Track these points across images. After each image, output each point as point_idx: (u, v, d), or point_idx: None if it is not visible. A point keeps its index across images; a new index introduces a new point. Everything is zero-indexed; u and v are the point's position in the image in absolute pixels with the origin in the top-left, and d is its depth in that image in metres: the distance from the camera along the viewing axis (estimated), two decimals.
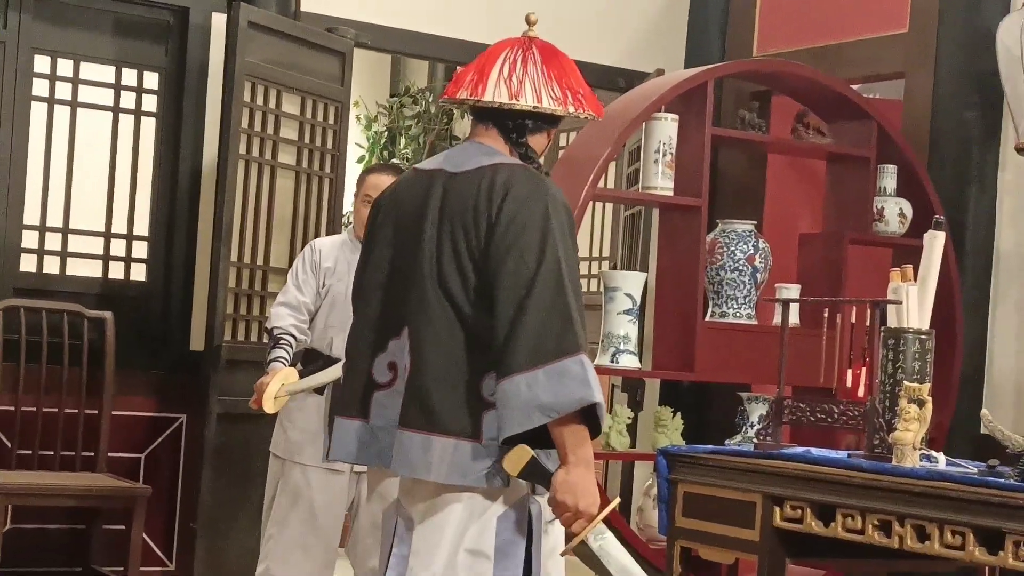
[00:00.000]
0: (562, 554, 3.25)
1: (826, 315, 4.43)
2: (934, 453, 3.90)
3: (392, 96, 9.35)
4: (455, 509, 3.07)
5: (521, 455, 3.01)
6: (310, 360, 4.83)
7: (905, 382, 3.93)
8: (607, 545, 3.13)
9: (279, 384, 4.57)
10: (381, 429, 3.12)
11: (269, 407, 4.55)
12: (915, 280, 4.13)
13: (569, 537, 3.16)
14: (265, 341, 5.03)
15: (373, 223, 3.27)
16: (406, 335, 3.10)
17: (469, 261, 3.05)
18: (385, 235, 3.21)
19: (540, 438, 2.99)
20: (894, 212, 5.80)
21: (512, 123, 3.19)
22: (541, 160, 3.26)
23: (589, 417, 2.99)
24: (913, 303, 4.09)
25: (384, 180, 4.77)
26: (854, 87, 6.09)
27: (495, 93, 3.13)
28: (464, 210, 3.07)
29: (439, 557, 3.06)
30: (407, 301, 3.11)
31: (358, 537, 4.79)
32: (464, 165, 3.14)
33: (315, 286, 4.86)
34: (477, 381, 3.04)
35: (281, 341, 4.78)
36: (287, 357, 4.75)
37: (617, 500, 3.30)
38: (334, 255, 4.88)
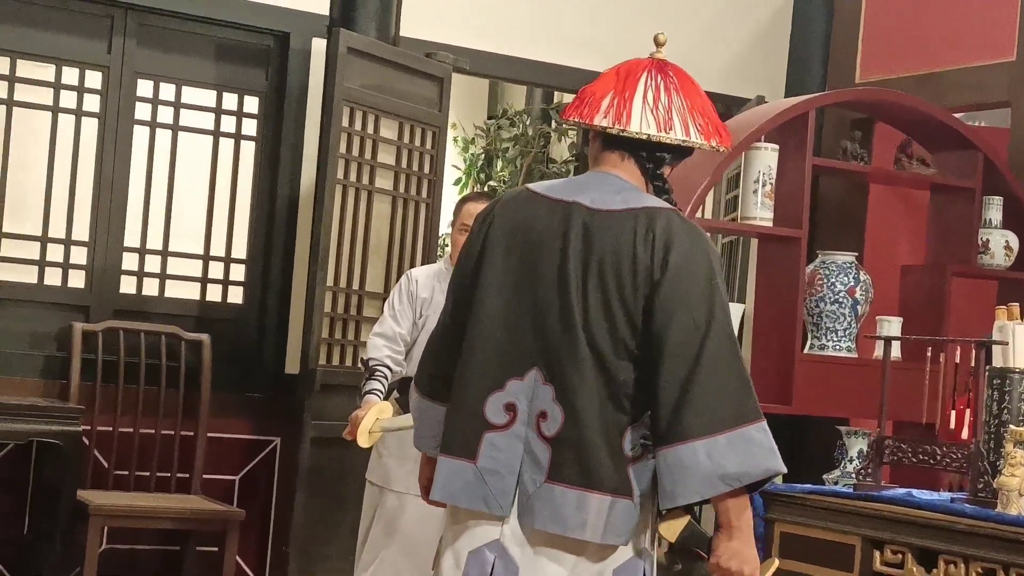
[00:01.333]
0: None
1: (929, 352, 4.34)
2: None
3: (489, 118, 9.35)
4: (569, 559, 2.92)
5: (681, 520, 2.92)
6: (406, 389, 4.82)
7: (1011, 425, 3.84)
8: None
9: (373, 418, 4.55)
10: (491, 473, 2.92)
11: (363, 442, 4.53)
12: (1022, 319, 4.04)
13: None
14: (359, 366, 5.03)
15: (483, 239, 3.01)
16: (535, 379, 2.91)
17: (621, 311, 2.85)
18: (507, 261, 2.95)
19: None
20: (1000, 244, 5.69)
21: (649, 154, 2.99)
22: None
23: (754, 484, 2.87)
24: (1020, 343, 4.00)
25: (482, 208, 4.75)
26: (958, 115, 5.99)
27: (642, 123, 2.92)
28: (619, 258, 2.86)
29: None
30: (539, 342, 2.91)
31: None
32: (608, 203, 2.92)
33: (411, 317, 4.85)
34: (620, 436, 2.89)
35: (376, 373, 4.77)
36: (382, 390, 4.74)
37: (776, 563, 3.11)
38: (431, 285, 4.87)
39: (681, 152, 3.02)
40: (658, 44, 3.07)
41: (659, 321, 2.83)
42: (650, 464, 2.90)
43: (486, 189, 8.76)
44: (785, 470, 2.85)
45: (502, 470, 2.91)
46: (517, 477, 2.91)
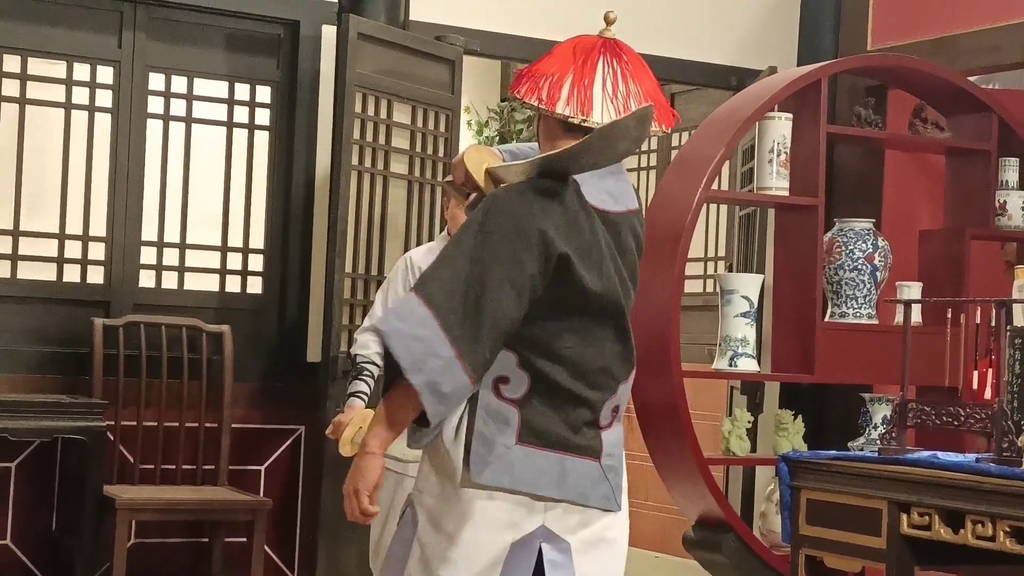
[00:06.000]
0: None
1: (949, 315, 4.32)
2: None
3: (502, 100, 9.33)
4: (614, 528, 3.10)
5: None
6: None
7: None
8: None
9: (356, 428, 4.50)
10: (610, 469, 2.99)
11: (346, 452, 4.44)
12: None
13: None
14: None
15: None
16: (631, 379, 3.05)
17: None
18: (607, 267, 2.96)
19: None
20: (1017, 206, 5.66)
21: None
22: None
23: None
24: None
25: None
26: (972, 79, 5.95)
27: (603, 114, 2.96)
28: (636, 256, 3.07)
29: None
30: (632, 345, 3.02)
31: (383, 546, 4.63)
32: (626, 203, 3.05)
33: None
34: None
35: (364, 372, 4.70)
36: (367, 392, 4.70)
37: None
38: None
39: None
40: (608, 22, 3.14)
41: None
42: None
43: None
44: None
45: (618, 466, 3.01)
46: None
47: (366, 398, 4.74)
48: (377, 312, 4.75)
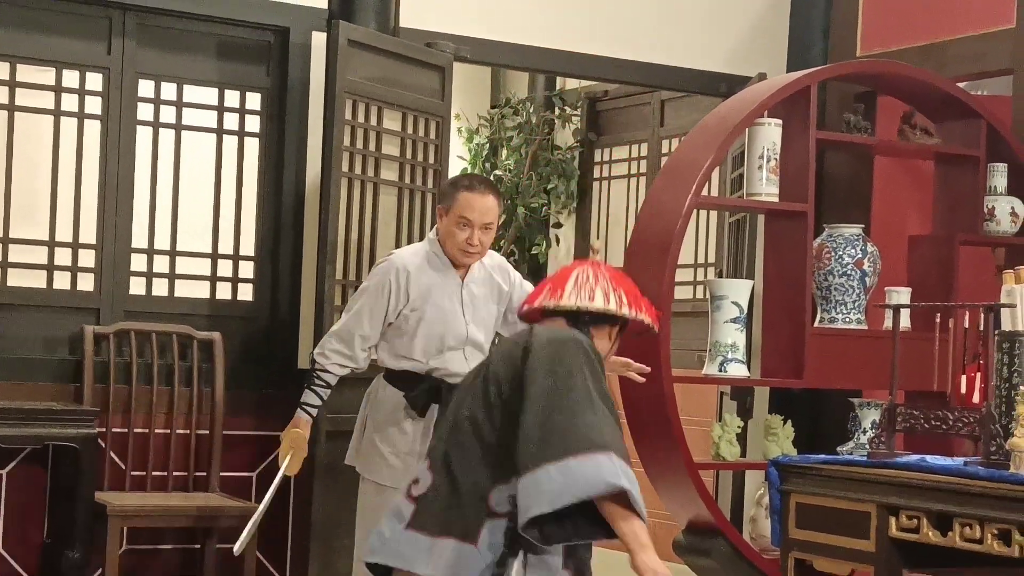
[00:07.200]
0: None
1: (938, 319, 4.33)
2: None
3: (493, 107, 9.35)
4: None
5: None
6: (412, 383, 4.77)
7: (1021, 387, 3.84)
8: None
9: (287, 453, 4.80)
10: None
11: (289, 472, 4.81)
12: None
13: None
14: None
15: None
16: None
17: None
18: None
19: None
20: (1005, 211, 5.69)
21: (575, 320, 3.61)
22: None
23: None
24: None
25: (484, 201, 4.68)
26: (961, 85, 5.98)
27: (572, 298, 3.61)
28: None
29: None
30: None
31: None
32: None
33: (384, 317, 4.72)
34: None
35: (317, 382, 4.77)
36: (318, 405, 4.80)
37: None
38: (424, 276, 4.74)
39: (606, 318, 3.64)
40: (594, 251, 4.00)
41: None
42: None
43: (492, 179, 8.75)
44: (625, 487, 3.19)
45: None
46: None
47: (314, 412, 4.78)
48: (350, 322, 4.74)
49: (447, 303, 4.74)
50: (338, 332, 4.78)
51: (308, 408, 4.80)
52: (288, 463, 4.82)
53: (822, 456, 4.39)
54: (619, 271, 3.74)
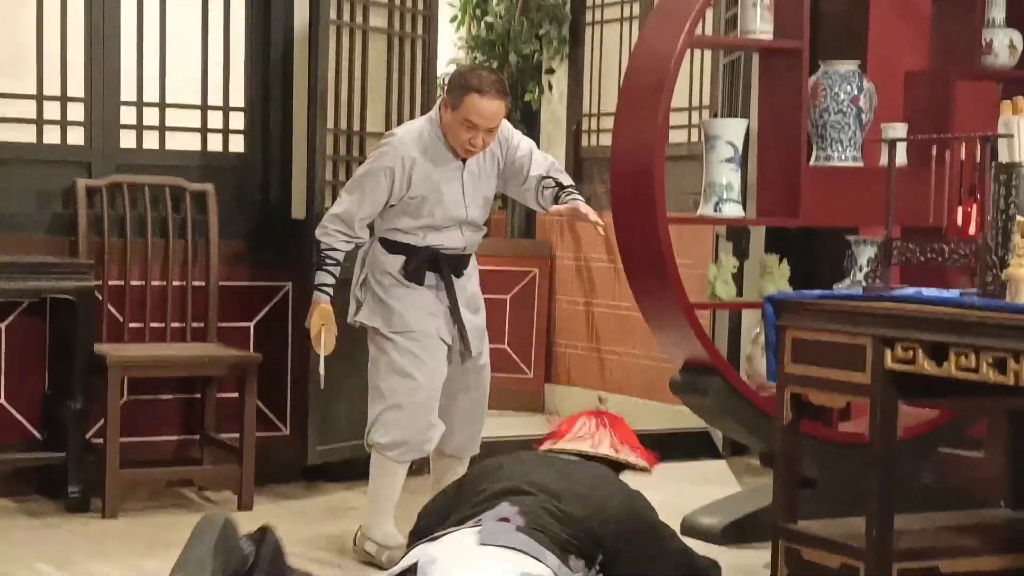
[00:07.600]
0: None
1: (934, 152, 4.30)
2: None
3: None
4: None
5: None
6: (409, 254, 4.82)
7: (1018, 217, 3.83)
8: None
9: (318, 327, 4.84)
10: None
11: (321, 352, 4.86)
12: None
13: None
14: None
15: None
16: None
17: None
18: None
19: None
20: (1004, 44, 5.61)
21: None
22: None
23: None
24: None
25: (492, 107, 4.68)
26: None
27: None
28: None
29: None
30: None
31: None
32: None
33: (386, 201, 4.79)
34: None
35: (327, 262, 4.80)
36: (331, 283, 4.83)
37: None
38: (425, 159, 4.78)
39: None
40: (601, 401, 4.48)
41: None
42: None
43: (482, 26, 8.63)
44: None
45: None
46: None
47: (331, 291, 4.80)
48: (350, 202, 4.79)
49: (448, 188, 4.82)
50: (339, 215, 4.85)
51: (325, 288, 4.87)
52: (324, 343, 4.86)
53: (818, 291, 4.39)
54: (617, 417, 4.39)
